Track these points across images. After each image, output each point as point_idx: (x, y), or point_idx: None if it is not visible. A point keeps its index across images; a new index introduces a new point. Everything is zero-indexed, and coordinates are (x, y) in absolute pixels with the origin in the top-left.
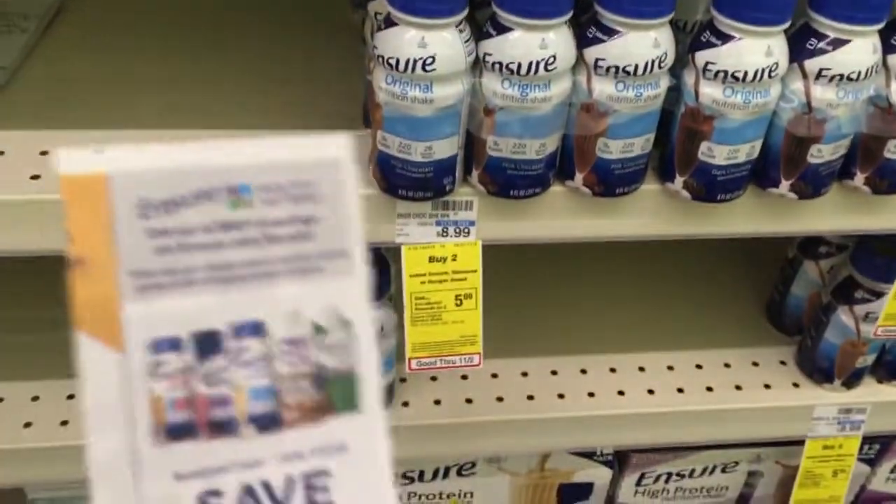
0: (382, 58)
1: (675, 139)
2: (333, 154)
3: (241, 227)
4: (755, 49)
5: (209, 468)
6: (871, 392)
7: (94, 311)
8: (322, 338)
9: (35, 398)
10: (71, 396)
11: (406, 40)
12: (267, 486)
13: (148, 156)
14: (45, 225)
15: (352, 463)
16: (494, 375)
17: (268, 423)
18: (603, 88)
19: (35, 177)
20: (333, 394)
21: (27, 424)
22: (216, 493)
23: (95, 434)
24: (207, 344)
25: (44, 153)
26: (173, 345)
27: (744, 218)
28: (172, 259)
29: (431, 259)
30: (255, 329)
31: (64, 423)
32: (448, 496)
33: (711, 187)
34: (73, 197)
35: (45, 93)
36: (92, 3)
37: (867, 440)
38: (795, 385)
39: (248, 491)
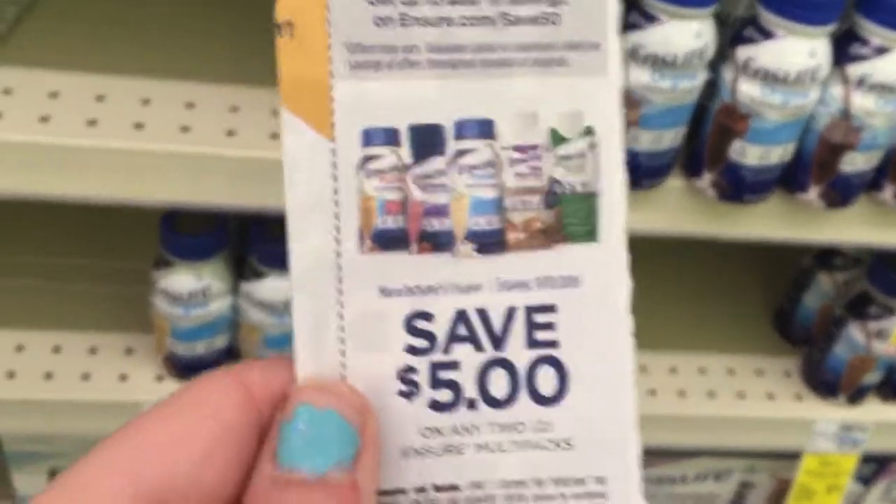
0: None
1: (707, 135)
2: None
3: (475, 2)
4: (799, 49)
5: (419, 286)
6: (874, 410)
7: (302, 88)
8: (560, 147)
9: (19, 348)
10: (56, 349)
11: None
12: (483, 315)
13: None
14: (47, 170)
15: (584, 300)
16: None
17: (490, 241)
18: (639, 77)
19: (43, 119)
20: (568, 217)
21: (10, 374)
22: (426, 316)
23: (297, 231)
24: (428, 140)
25: (53, 95)
26: (389, 137)
27: (767, 222)
28: (392, 33)
29: None
30: (483, 129)
31: (48, 375)
32: None
33: (739, 187)
34: None
35: (56, 31)
36: None
37: (865, 459)
38: (798, 397)
39: (462, 317)
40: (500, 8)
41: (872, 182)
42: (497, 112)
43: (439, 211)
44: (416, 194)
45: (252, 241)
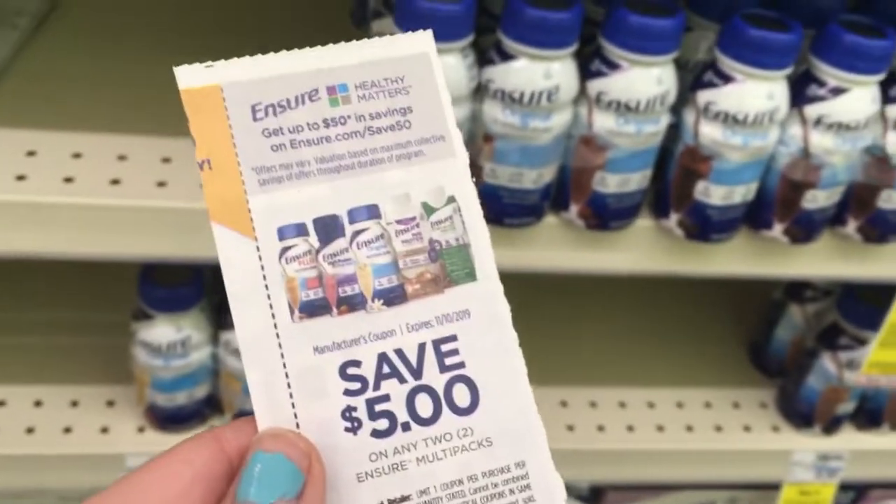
0: None
1: (672, 176)
2: (421, 48)
3: (344, 122)
4: (757, 92)
5: (345, 341)
6: (850, 440)
7: (225, 205)
8: (432, 215)
9: (1, 403)
10: (38, 403)
11: None
12: (401, 354)
13: (253, 66)
14: (24, 228)
15: (475, 326)
16: None
17: (393, 296)
18: (604, 122)
19: (20, 177)
20: (450, 265)
21: None
22: (355, 363)
23: (241, 313)
24: (329, 227)
25: (30, 153)
26: (299, 230)
27: (735, 259)
28: (286, 155)
29: None
30: (370, 212)
31: (30, 430)
32: None
33: (706, 226)
34: (193, 106)
35: (34, 91)
36: (86, 1)
37: (843, 487)
38: (775, 429)
39: (384, 358)
40: (364, 123)
41: (836, 217)
42: (378, 198)
43: (349, 280)
44: (329, 270)
45: None
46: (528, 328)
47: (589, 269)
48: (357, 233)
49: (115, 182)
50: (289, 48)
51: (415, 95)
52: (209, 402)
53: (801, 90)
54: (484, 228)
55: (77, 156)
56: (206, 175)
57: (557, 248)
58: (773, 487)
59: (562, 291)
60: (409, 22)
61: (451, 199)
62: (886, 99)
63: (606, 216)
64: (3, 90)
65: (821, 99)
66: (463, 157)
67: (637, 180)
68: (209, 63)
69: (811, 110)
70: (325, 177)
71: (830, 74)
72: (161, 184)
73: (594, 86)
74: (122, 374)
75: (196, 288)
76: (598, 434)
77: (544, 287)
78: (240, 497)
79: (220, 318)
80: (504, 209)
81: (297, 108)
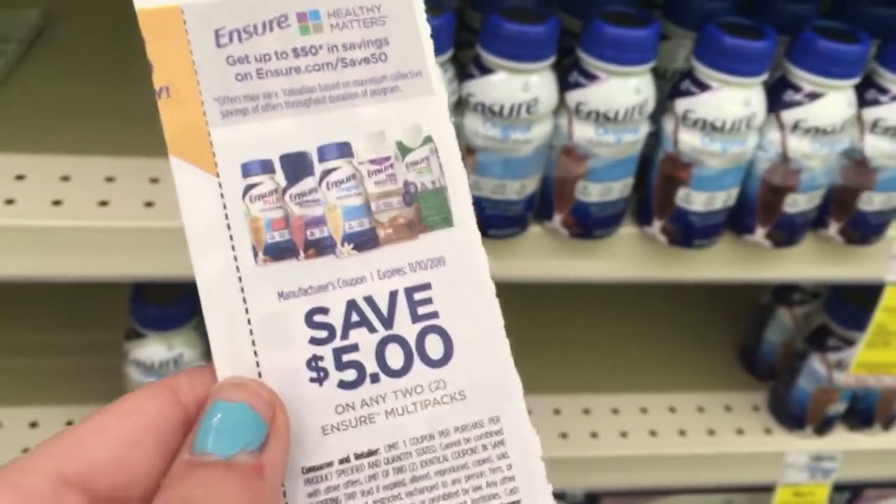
0: None
1: (654, 184)
2: None
3: (315, 52)
4: (734, 99)
5: (312, 286)
6: (842, 440)
7: (185, 137)
8: (407, 156)
9: None
10: (33, 424)
11: None
12: (371, 302)
13: None
14: (14, 251)
15: (451, 275)
16: None
17: (364, 240)
18: (583, 132)
19: (9, 202)
20: (425, 210)
21: None
22: (322, 311)
23: (200, 256)
24: (297, 165)
25: (19, 177)
26: (264, 167)
27: (719, 264)
28: (252, 85)
29: None
30: (342, 150)
31: (26, 451)
32: None
33: (688, 233)
34: (151, 29)
35: (21, 116)
36: (72, 27)
37: (839, 488)
38: (768, 431)
39: (353, 306)
40: (337, 55)
41: (818, 220)
42: (350, 135)
43: (318, 221)
44: (296, 210)
45: None
46: (520, 337)
47: (574, 278)
48: (327, 172)
49: (104, 203)
50: None
51: (392, 27)
52: None
53: (778, 96)
54: (462, 172)
55: (65, 178)
56: (165, 104)
57: (542, 258)
58: (768, 490)
59: (552, 299)
60: None
61: (429, 140)
62: (862, 102)
63: (590, 225)
64: None
65: (797, 104)
66: (442, 95)
67: (619, 189)
68: None
69: (788, 115)
70: (294, 110)
71: (806, 80)
72: (149, 204)
73: (573, 97)
74: (116, 394)
75: (187, 306)
76: (591, 441)
77: (534, 296)
78: (197, 448)
79: None
80: (488, 220)
81: (264, 35)
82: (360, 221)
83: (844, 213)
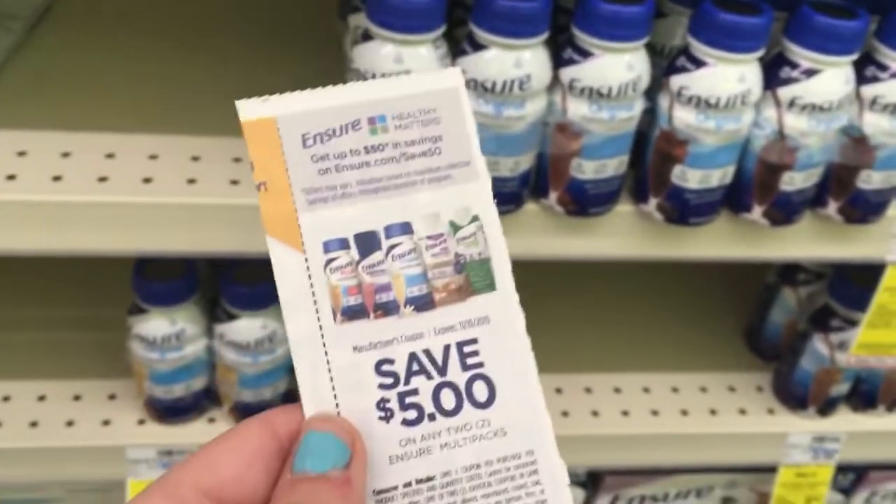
0: (358, 71)
1: (649, 161)
2: (451, 83)
3: (383, 149)
4: (729, 76)
5: (380, 341)
6: (845, 421)
7: (278, 222)
8: (458, 232)
9: (6, 398)
10: (41, 398)
11: (382, 55)
12: (428, 354)
13: (303, 99)
14: (16, 226)
15: (494, 331)
16: None
17: (422, 303)
18: (577, 109)
19: (11, 177)
20: (472, 277)
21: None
22: (389, 361)
23: (291, 316)
24: (367, 242)
25: (21, 153)
26: (342, 244)
27: (716, 242)
28: (332, 177)
29: None
30: (404, 229)
31: (34, 424)
32: None
33: (684, 210)
34: (252, 136)
35: (24, 92)
36: (79, 5)
37: (842, 469)
38: (770, 411)
39: (414, 357)
40: (400, 150)
41: (817, 199)
42: (411, 216)
43: (385, 288)
44: (367, 279)
45: (221, 286)
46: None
47: (570, 256)
48: (392, 247)
49: (104, 179)
50: (279, 44)
51: (444, 125)
52: (207, 393)
53: (775, 72)
54: (503, 244)
55: (66, 155)
56: (263, 196)
57: (538, 235)
58: (771, 470)
59: (554, 278)
60: (380, 15)
61: (475, 218)
62: (862, 79)
63: (585, 202)
64: None
65: (794, 81)
66: (486, 179)
67: (614, 166)
68: (265, 97)
69: (784, 92)
70: (365, 197)
71: (803, 56)
72: (148, 180)
73: (567, 73)
74: (122, 368)
75: (189, 281)
76: (593, 419)
77: (531, 276)
78: (296, 468)
79: (215, 311)
80: None
81: (341, 137)
82: (419, 287)
83: (844, 191)
